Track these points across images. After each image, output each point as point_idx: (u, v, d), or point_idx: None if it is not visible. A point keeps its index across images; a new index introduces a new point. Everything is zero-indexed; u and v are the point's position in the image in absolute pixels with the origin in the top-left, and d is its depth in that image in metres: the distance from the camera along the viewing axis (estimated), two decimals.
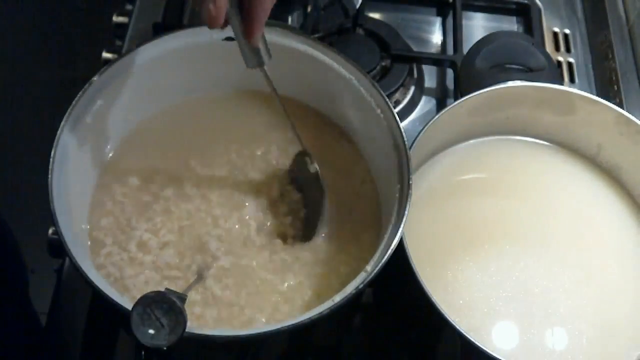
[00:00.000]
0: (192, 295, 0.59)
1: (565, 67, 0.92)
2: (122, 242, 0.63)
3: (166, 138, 0.69)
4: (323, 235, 0.65)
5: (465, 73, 0.81)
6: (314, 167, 0.65)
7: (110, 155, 0.68)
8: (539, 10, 0.97)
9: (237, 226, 0.64)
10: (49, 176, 0.57)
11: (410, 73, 0.88)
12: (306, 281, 0.62)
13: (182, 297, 0.49)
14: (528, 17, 0.95)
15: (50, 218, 0.54)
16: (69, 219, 0.56)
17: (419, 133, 0.65)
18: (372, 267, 0.55)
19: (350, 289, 0.53)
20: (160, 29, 0.86)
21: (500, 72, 0.80)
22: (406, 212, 0.57)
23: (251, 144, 0.69)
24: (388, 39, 0.88)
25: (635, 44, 0.92)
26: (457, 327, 0.56)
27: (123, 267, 0.61)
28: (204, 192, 0.66)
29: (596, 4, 0.98)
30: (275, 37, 0.65)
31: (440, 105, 0.88)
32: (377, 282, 0.54)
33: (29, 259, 1.08)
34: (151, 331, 0.47)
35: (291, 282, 0.62)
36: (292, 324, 0.51)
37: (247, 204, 0.66)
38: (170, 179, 0.67)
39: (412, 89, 0.87)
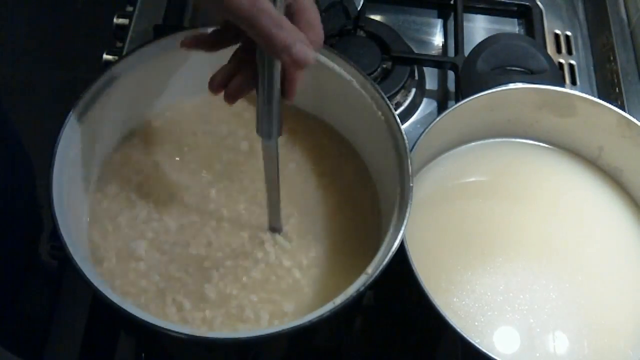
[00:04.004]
0: (194, 298, 0.60)
1: (566, 69, 0.92)
2: (123, 243, 0.63)
3: (166, 140, 0.69)
4: (323, 237, 0.65)
5: (467, 75, 0.81)
6: None
7: (111, 155, 0.68)
8: (541, 12, 0.97)
9: (239, 229, 0.64)
10: (49, 177, 0.56)
11: (412, 75, 0.88)
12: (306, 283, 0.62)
13: None
14: (529, 19, 0.95)
15: (50, 218, 0.54)
16: (69, 219, 0.56)
17: (420, 135, 0.65)
18: (373, 270, 0.54)
19: (351, 291, 0.53)
20: (161, 31, 0.86)
21: (501, 74, 0.80)
22: (407, 215, 0.57)
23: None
24: (389, 41, 0.88)
25: (637, 46, 0.92)
26: (459, 330, 0.55)
27: (123, 268, 0.61)
28: (205, 192, 0.66)
29: (598, 5, 0.98)
30: None
31: (442, 107, 0.88)
32: (378, 285, 0.54)
33: (29, 259, 1.08)
34: None
35: (292, 285, 0.61)
36: (293, 327, 0.51)
37: (246, 202, 0.66)
38: (171, 181, 0.67)
39: (413, 91, 0.87)
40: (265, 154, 0.56)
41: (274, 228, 0.64)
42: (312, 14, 0.52)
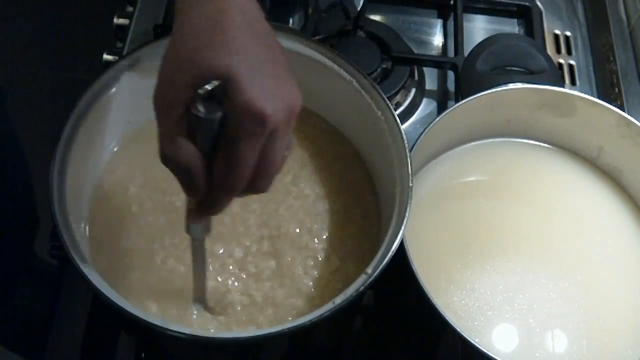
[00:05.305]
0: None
1: (566, 70, 0.92)
2: (123, 243, 0.63)
3: None
4: (324, 237, 0.65)
5: (466, 75, 0.81)
6: None
7: (112, 156, 0.68)
8: (540, 12, 0.97)
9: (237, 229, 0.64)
10: (50, 176, 0.56)
11: (411, 75, 0.88)
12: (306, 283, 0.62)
13: None
14: (529, 19, 0.95)
15: (50, 218, 0.54)
16: (69, 219, 0.56)
17: (420, 135, 0.65)
18: (372, 270, 0.54)
19: (351, 291, 0.53)
20: (161, 31, 0.86)
21: (501, 74, 0.80)
22: (407, 215, 0.57)
23: None
24: (389, 41, 0.88)
25: (637, 46, 0.92)
26: (458, 329, 0.56)
27: (123, 269, 0.61)
28: None
29: (597, 6, 0.98)
30: None
31: (441, 107, 0.88)
32: (378, 285, 0.54)
33: (29, 259, 1.08)
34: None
35: (293, 285, 0.61)
36: (293, 326, 0.51)
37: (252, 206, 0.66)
38: (171, 183, 0.66)
39: (413, 91, 0.87)
40: (194, 248, 0.55)
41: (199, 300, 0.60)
42: (235, 151, 0.45)
